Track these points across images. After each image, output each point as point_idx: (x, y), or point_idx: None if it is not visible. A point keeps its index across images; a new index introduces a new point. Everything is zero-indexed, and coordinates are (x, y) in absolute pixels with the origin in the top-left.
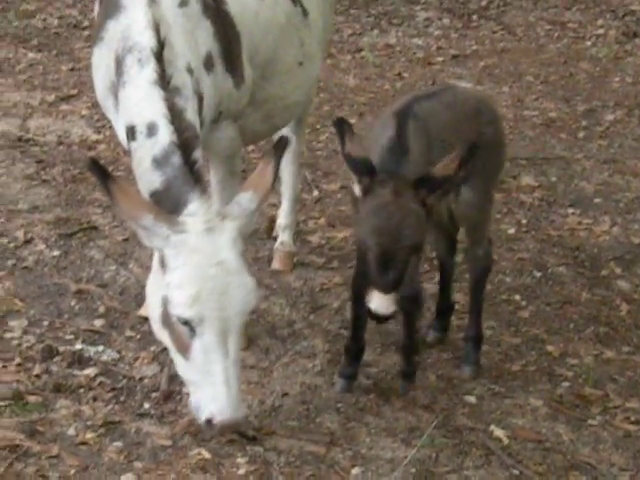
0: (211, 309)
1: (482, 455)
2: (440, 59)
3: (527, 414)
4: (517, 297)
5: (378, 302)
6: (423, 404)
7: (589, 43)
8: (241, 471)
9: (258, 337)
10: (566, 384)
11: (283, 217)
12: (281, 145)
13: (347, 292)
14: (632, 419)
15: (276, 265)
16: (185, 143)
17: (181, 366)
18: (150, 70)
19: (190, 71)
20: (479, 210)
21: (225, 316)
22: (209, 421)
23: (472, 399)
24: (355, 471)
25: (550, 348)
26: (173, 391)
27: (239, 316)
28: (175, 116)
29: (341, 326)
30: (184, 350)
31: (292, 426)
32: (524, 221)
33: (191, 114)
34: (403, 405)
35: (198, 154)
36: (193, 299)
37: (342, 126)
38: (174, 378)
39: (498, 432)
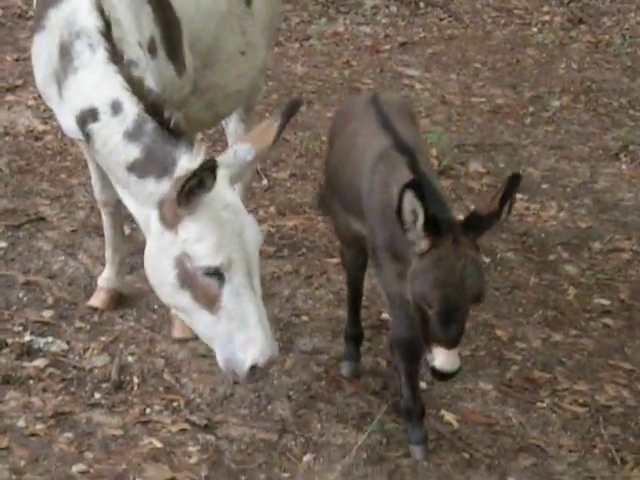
0: (235, 251)
1: (432, 439)
2: (388, 47)
3: (477, 398)
4: None
5: (444, 359)
6: (374, 390)
7: (535, 30)
8: (193, 460)
9: None
10: (515, 368)
11: None
12: (293, 106)
13: (297, 280)
14: (580, 401)
15: None
16: (153, 107)
17: (207, 324)
18: (102, 51)
19: (141, 46)
20: None
21: (247, 256)
22: (253, 367)
23: (422, 384)
24: (307, 457)
25: (499, 332)
26: (124, 381)
27: (256, 254)
28: (135, 86)
29: (292, 314)
30: (211, 303)
31: (244, 414)
32: (472, 207)
33: (150, 82)
34: (354, 391)
35: (169, 112)
36: (218, 246)
37: (420, 189)
38: (125, 368)
39: (448, 416)
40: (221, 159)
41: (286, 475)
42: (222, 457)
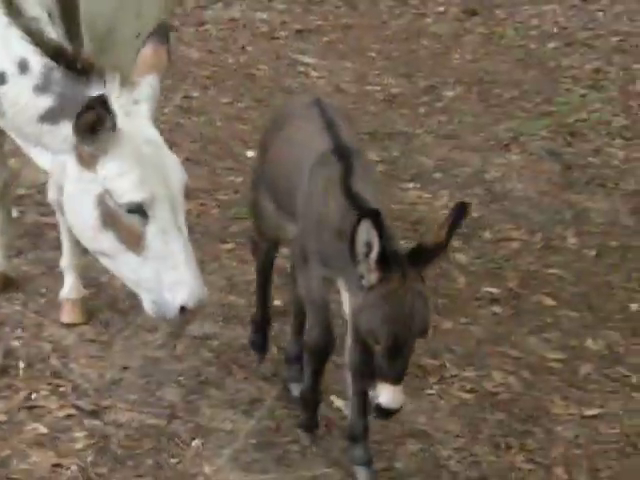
0: (159, 187)
1: (322, 426)
2: (284, 34)
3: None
4: None
5: (389, 396)
6: (264, 376)
7: (430, 20)
8: (79, 445)
9: (98, 310)
10: None
11: None
12: (162, 29)
13: None
14: (467, 388)
15: None
16: (57, 52)
17: (133, 266)
18: (0, 16)
19: (43, 7)
20: None
21: (170, 193)
22: (182, 308)
23: None
24: (195, 443)
25: None
26: (9, 366)
27: (180, 192)
28: (36, 37)
29: None
30: (136, 244)
31: (132, 399)
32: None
33: (52, 33)
34: (244, 377)
35: (75, 51)
36: (140, 180)
37: (378, 220)
38: (10, 353)
39: (338, 402)
40: (138, 94)
41: (174, 460)
42: (109, 443)
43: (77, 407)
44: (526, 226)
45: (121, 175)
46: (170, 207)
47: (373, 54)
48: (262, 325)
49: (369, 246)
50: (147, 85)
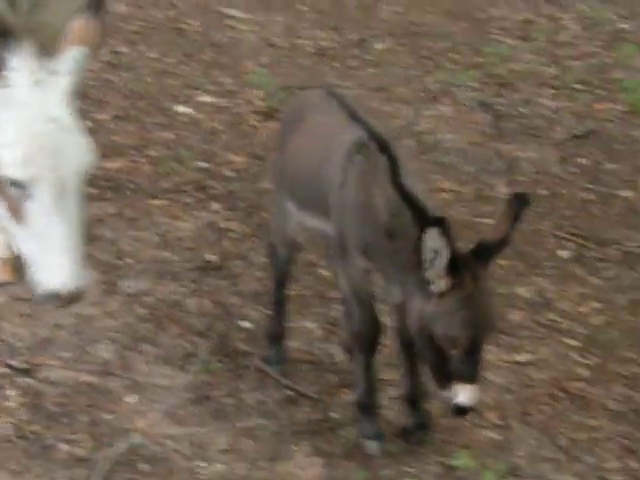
0: (44, 168)
1: (257, 378)
2: None
3: (301, 336)
4: None
5: (469, 395)
6: (199, 331)
7: None
8: (11, 404)
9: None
10: (338, 306)
11: None
12: (97, 1)
13: (121, 223)
14: None
15: None
16: None
17: (20, 237)
18: None
19: None
20: None
21: (59, 176)
22: (53, 294)
23: (247, 324)
24: (131, 399)
25: (323, 272)
26: None
27: (75, 177)
28: None
29: (116, 256)
30: (19, 218)
31: (65, 357)
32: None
33: None
34: (179, 333)
35: None
36: (24, 158)
37: (447, 228)
38: None
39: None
40: (58, 65)
41: (110, 417)
42: (43, 400)
43: (9, 366)
44: (457, 177)
45: (7, 146)
46: (55, 191)
47: (303, 7)
48: (279, 338)
49: (436, 252)
50: (71, 57)
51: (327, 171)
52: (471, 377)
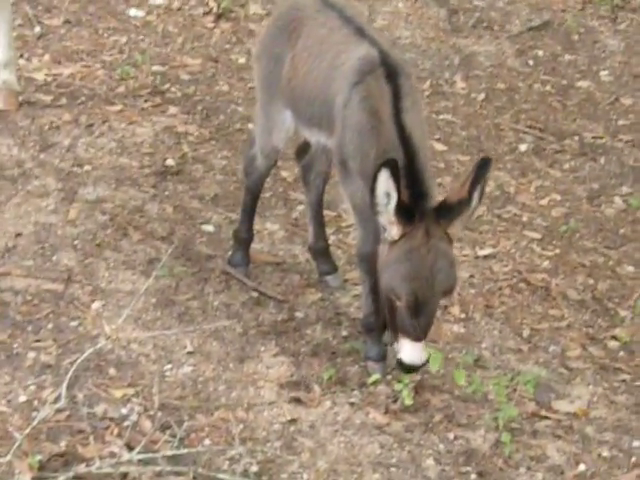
0: None
1: (222, 281)
2: None
3: (265, 238)
4: (250, 127)
5: (410, 352)
6: (161, 236)
7: None
8: None
9: None
10: (300, 208)
11: (1, 53)
12: None
13: (78, 130)
14: None
15: (0, 105)
16: None
17: None
18: None
19: None
20: None
21: None
22: None
23: (210, 228)
24: (95, 305)
25: (285, 174)
26: None
27: None
28: None
29: (74, 164)
30: None
31: (28, 266)
32: (253, 50)
33: None
34: (141, 238)
35: None
36: None
37: (397, 171)
38: None
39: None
40: None
41: (74, 323)
42: (7, 309)
43: None
44: (414, 73)
45: None
46: None
47: None
48: (246, 242)
49: (388, 197)
50: None
51: (332, 88)
52: (414, 334)
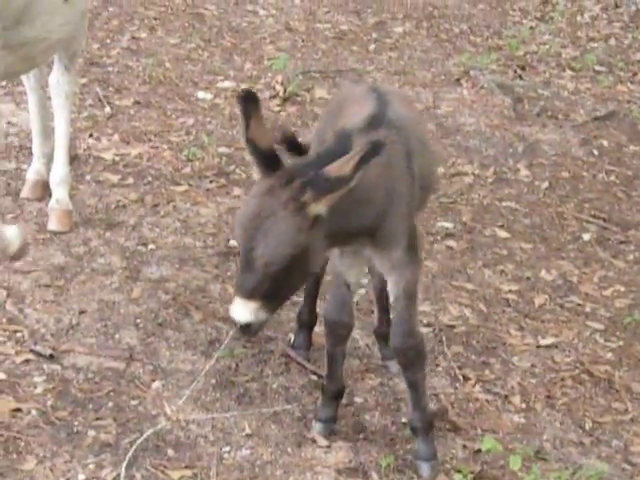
0: None
1: (281, 363)
2: None
3: (322, 323)
4: None
5: (234, 306)
6: (222, 316)
7: None
8: (38, 390)
9: (52, 255)
10: (362, 291)
11: (57, 172)
12: None
13: (143, 209)
14: (424, 322)
15: (53, 226)
16: None
17: None
18: None
19: None
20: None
21: None
22: None
23: None
24: (155, 385)
25: None
26: None
27: None
28: None
29: (138, 243)
30: None
31: (90, 343)
32: None
33: None
34: (202, 318)
35: None
36: None
37: (248, 105)
38: None
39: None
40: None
41: (134, 402)
42: (68, 386)
43: (35, 352)
44: (478, 160)
45: None
46: None
47: None
48: (309, 325)
49: None
50: None
51: None
52: (237, 287)
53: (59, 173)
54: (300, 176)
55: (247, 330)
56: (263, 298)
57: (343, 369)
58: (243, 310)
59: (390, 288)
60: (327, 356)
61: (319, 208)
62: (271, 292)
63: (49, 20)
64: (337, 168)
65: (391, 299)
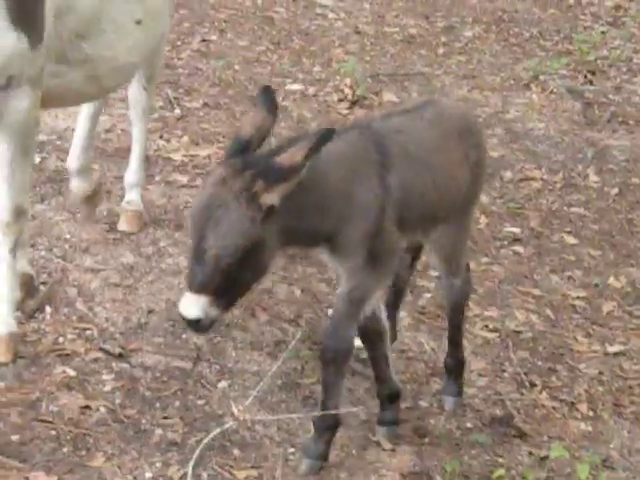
0: None
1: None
2: None
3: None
4: None
5: (183, 301)
6: (289, 318)
7: None
8: (107, 388)
9: (122, 255)
10: (428, 295)
11: (131, 175)
12: None
13: None
14: (490, 327)
15: (124, 226)
16: None
17: None
18: None
19: None
20: (455, 241)
21: None
22: None
23: None
24: (222, 385)
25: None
26: (37, 309)
27: None
28: None
29: None
30: None
31: (158, 342)
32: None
33: None
34: (269, 319)
35: None
36: None
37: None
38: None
39: (359, 342)
40: None
41: (201, 402)
42: (137, 385)
43: (104, 350)
44: (547, 165)
45: None
46: None
47: None
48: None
49: None
50: None
51: None
52: (186, 280)
53: (133, 176)
54: (251, 166)
55: (196, 326)
56: (214, 293)
57: (393, 372)
58: (192, 305)
59: (339, 290)
60: (369, 361)
61: (271, 198)
62: (223, 287)
63: (116, 40)
64: (288, 157)
65: (336, 298)
